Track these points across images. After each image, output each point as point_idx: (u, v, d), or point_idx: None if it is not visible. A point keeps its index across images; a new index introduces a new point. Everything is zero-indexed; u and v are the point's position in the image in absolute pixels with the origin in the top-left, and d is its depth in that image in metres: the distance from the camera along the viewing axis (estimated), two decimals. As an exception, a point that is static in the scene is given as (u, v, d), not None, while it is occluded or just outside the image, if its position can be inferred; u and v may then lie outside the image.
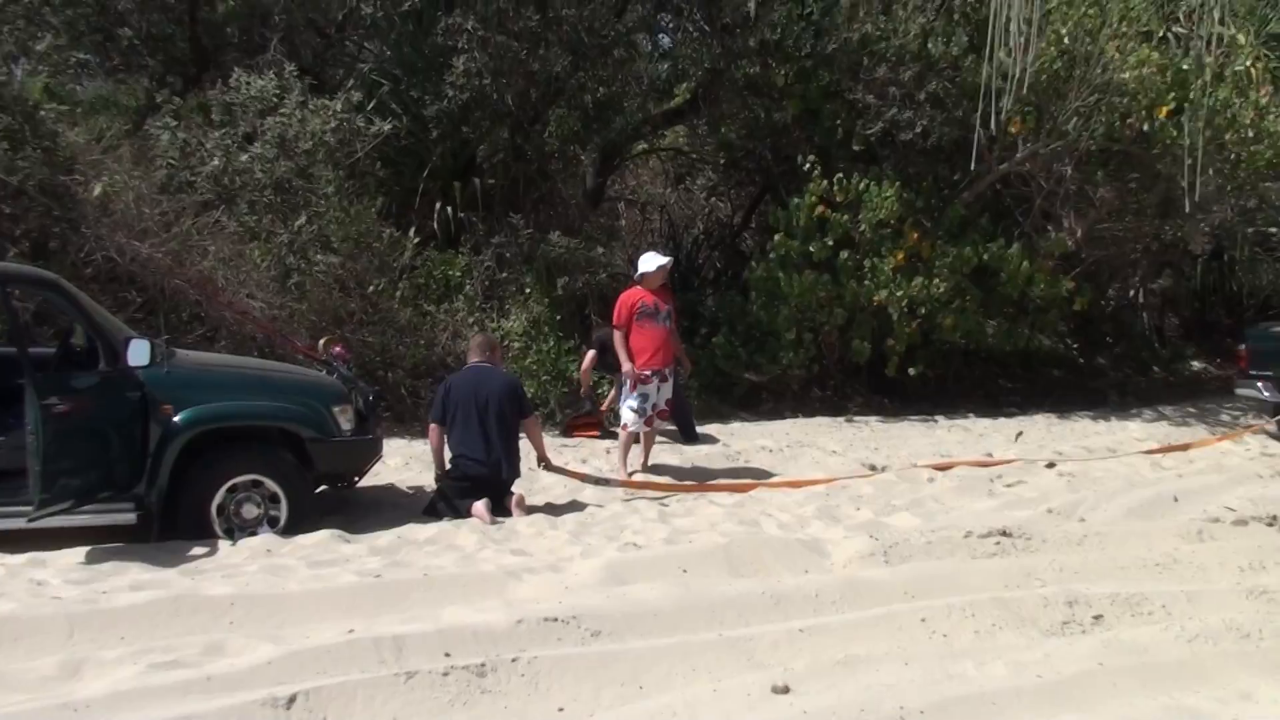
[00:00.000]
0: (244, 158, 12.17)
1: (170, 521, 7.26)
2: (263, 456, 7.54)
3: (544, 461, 9.01)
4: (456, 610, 5.62)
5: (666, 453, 10.97)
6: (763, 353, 13.87)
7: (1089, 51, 13.22)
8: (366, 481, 8.66)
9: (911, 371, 14.26)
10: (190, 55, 15.56)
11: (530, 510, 8.42)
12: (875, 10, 14.49)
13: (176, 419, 7.17)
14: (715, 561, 6.69)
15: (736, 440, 11.94)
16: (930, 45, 14.17)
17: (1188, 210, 12.93)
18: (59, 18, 13.23)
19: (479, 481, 8.26)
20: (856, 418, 13.74)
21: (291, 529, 7.40)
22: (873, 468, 10.61)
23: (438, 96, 13.73)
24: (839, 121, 14.50)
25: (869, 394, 14.72)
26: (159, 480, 7.15)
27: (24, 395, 6.64)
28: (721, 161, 18.02)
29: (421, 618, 5.52)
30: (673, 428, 11.59)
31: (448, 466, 8.45)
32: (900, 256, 13.57)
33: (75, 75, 15.25)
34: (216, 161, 12.14)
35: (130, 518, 7.12)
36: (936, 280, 13.56)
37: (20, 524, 6.68)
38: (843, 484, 9.69)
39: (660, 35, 16.64)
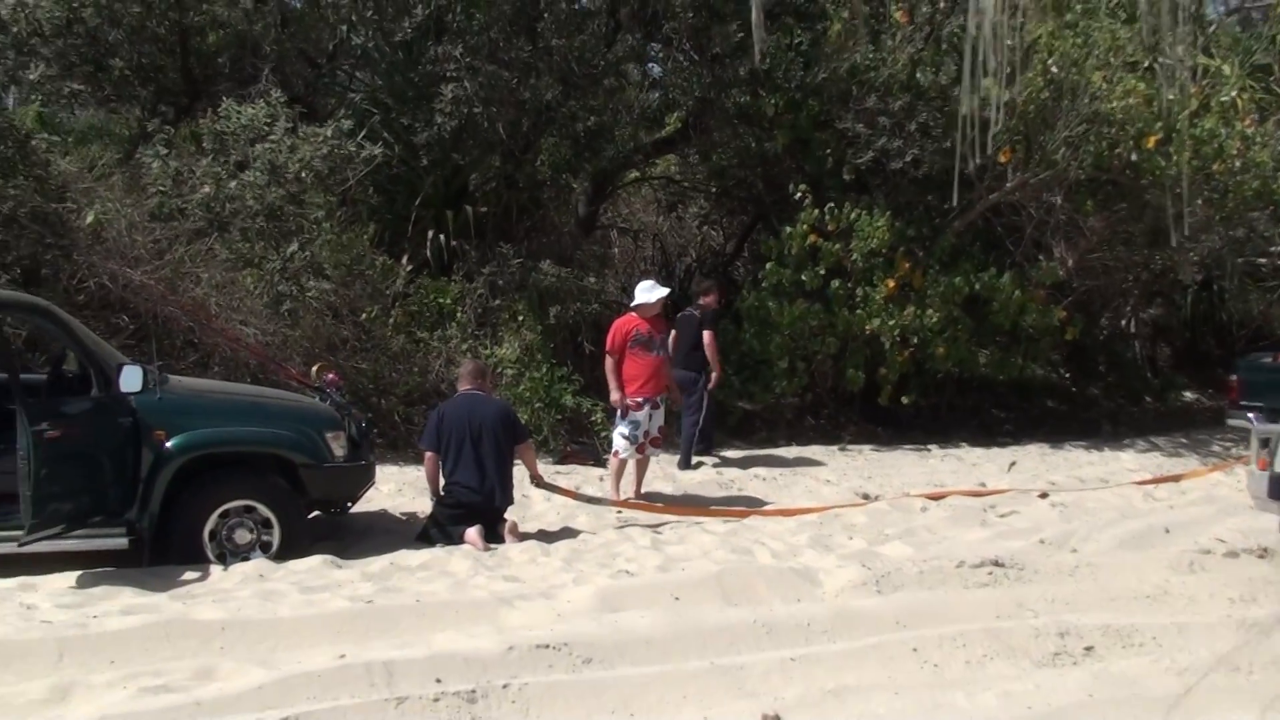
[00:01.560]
0: (233, 184, 12.19)
1: (162, 546, 7.23)
2: (255, 482, 7.51)
3: (537, 480, 9.00)
4: (448, 636, 5.60)
5: (660, 480, 10.95)
6: (756, 381, 13.88)
7: (1076, 82, 13.29)
8: (359, 507, 8.64)
9: (905, 400, 14.28)
10: (182, 85, 15.60)
11: (523, 537, 8.39)
12: (864, 40, 14.56)
13: (169, 444, 7.16)
14: (708, 589, 6.67)
15: (730, 468, 11.93)
16: (919, 75, 14.25)
17: (1174, 242, 12.98)
18: (50, 48, 13.28)
19: (472, 508, 8.24)
20: (850, 446, 13.75)
21: (284, 554, 7.36)
22: (866, 496, 10.61)
23: (428, 124, 13.77)
24: (829, 151, 14.56)
25: (863, 423, 14.74)
26: (151, 505, 7.13)
27: (15, 420, 6.62)
28: (713, 190, 18.08)
29: (413, 643, 5.51)
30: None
31: (442, 493, 8.42)
32: (892, 285, 13.59)
33: (68, 105, 15.29)
34: (207, 189, 12.16)
35: (122, 542, 7.10)
36: (929, 309, 13.58)
37: (11, 548, 6.65)
38: (836, 513, 9.67)
39: (650, 65, 16.71)
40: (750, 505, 10.15)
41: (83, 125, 16.11)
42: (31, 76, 12.28)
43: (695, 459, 11.97)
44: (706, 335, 11.80)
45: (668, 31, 14.74)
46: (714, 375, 11.94)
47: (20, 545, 6.57)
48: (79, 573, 6.80)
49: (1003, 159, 13.57)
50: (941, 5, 14.16)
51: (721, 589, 6.68)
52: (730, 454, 12.83)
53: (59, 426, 6.68)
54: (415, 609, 6.10)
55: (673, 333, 11.57)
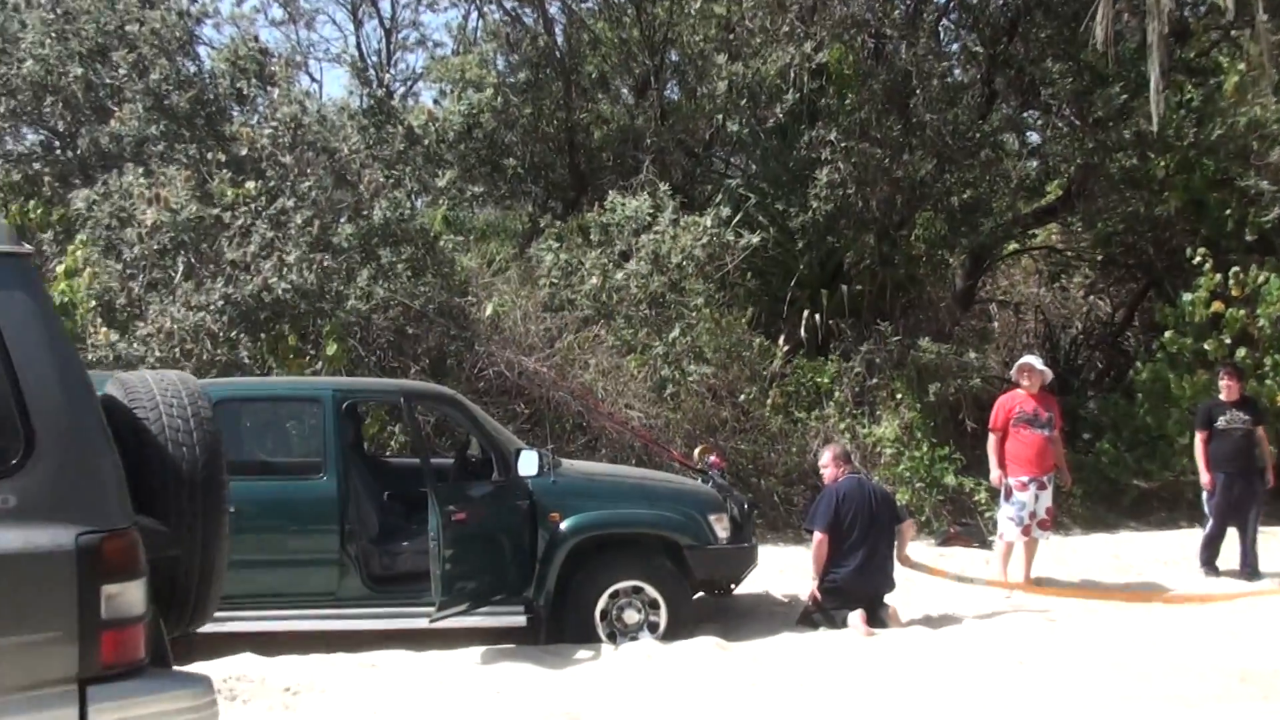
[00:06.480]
0: (619, 275, 12.71)
1: (557, 625, 7.51)
2: (644, 564, 7.69)
3: (904, 560, 8.70)
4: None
5: (1051, 564, 10.40)
6: (1153, 459, 13.05)
7: None
8: (741, 589, 8.65)
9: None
10: (569, 180, 16.55)
11: (907, 623, 8.18)
12: (1264, 91, 13.62)
13: (563, 526, 7.45)
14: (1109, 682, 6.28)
15: (1127, 551, 11.24)
16: (1330, 123, 13.17)
17: None
18: (454, 154, 14.37)
19: (857, 592, 8.11)
20: (1264, 528, 12.63)
21: (671, 635, 7.47)
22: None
23: (803, 208, 13.93)
24: (1229, 211, 13.67)
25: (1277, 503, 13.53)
26: (546, 585, 7.43)
27: (426, 503, 7.07)
28: (1099, 258, 17.32)
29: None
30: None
31: (827, 575, 8.29)
32: (1307, 352, 12.53)
33: (469, 206, 16.48)
34: (595, 280, 12.74)
35: (520, 620, 7.44)
36: (1353, 377, 12.40)
37: (423, 624, 7.10)
38: (1253, 602, 8.88)
39: (1028, 133, 16.28)
40: (1151, 590, 9.49)
41: (481, 224, 17.32)
42: (440, 183, 13.34)
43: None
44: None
45: (1046, 98, 14.31)
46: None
47: (431, 621, 7.00)
48: (483, 648, 7.17)
49: None
50: (1353, 47, 13.07)
51: (1123, 682, 6.26)
52: (1126, 535, 12.12)
53: (464, 509, 7.12)
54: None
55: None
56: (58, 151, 14.23)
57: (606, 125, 16.79)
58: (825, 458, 8.78)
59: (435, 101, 16.00)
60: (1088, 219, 15.96)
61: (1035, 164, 15.84)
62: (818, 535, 8.22)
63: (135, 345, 10.64)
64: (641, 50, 16.52)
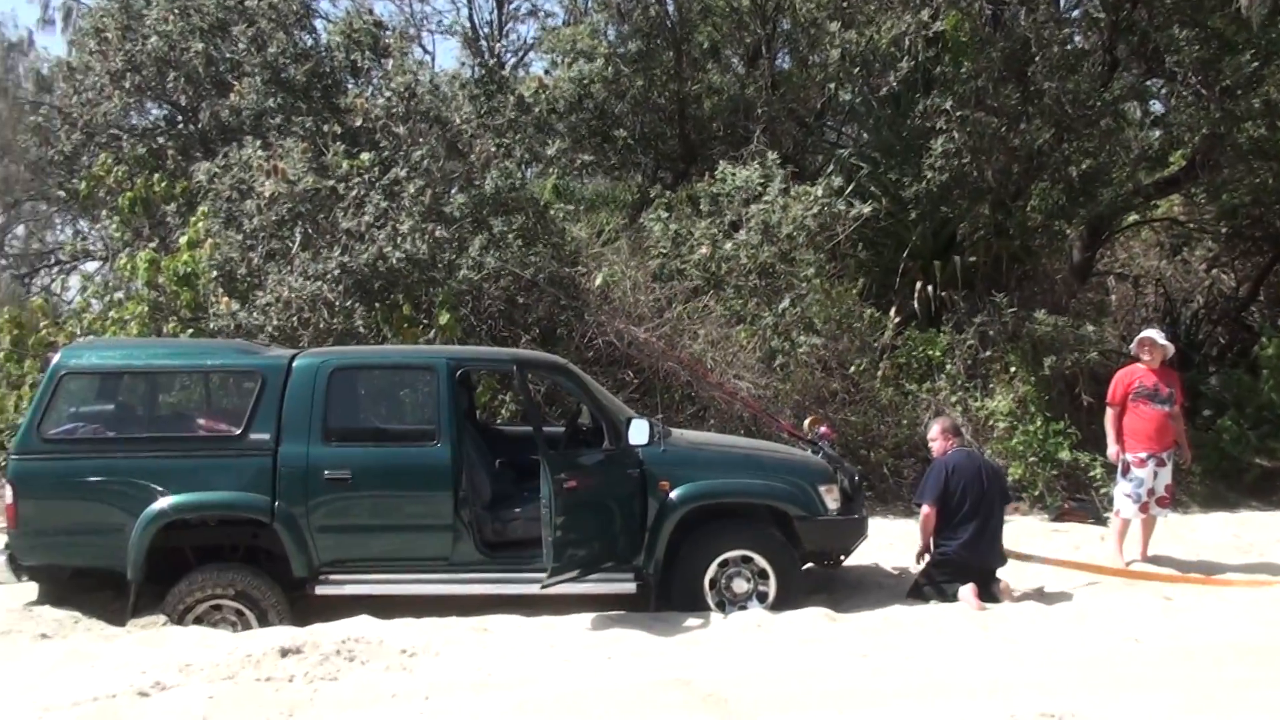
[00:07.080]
0: (729, 245, 12.70)
1: (665, 593, 7.56)
2: (753, 533, 7.70)
3: None
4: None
5: (1169, 542, 10.19)
6: (1276, 437, 12.69)
7: None
8: (851, 560, 8.63)
9: None
10: (679, 151, 16.54)
11: (1020, 598, 8.09)
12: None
13: (673, 495, 7.49)
14: (1228, 664, 6.13)
15: (1248, 531, 10.96)
16: None
17: None
18: (564, 124, 14.45)
19: (968, 566, 8.04)
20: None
21: (780, 605, 7.48)
22: None
23: (917, 178, 13.75)
24: (1367, 183, 13.21)
25: None
26: (656, 553, 7.48)
27: (538, 471, 7.15)
28: (1223, 230, 16.82)
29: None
30: None
31: (934, 549, 8.25)
32: None
33: (579, 176, 16.59)
34: (704, 249, 12.74)
35: (630, 588, 7.50)
36: None
37: (534, 589, 7.19)
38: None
39: (1151, 101, 15.82)
40: (1274, 574, 9.23)
41: (591, 194, 17.42)
42: (550, 152, 13.44)
43: None
44: None
45: (1171, 66, 13.90)
46: None
47: (543, 587, 7.09)
48: (594, 615, 7.24)
49: None
50: None
51: (1244, 664, 6.12)
52: (1247, 515, 11.81)
53: (576, 477, 7.19)
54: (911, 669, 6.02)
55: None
56: (180, 125, 14.63)
57: (717, 95, 16.74)
58: (934, 431, 8.72)
59: (546, 71, 16.12)
60: (1212, 190, 15.51)
61: (1158, 133, 15.41)
62: (925, 508, 8.20)
63: (255, 315, 10.92)
64: (753, 19, 16.43)
